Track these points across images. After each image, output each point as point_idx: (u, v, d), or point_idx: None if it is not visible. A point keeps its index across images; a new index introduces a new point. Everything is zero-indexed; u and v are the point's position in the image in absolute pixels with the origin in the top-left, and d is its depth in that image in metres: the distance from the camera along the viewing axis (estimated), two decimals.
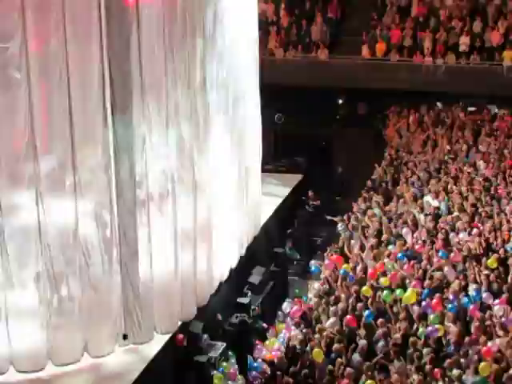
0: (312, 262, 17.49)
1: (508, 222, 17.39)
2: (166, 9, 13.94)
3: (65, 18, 12.36)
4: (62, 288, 13.17)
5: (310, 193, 21.78)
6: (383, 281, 14.96)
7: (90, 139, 13.06)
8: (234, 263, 17.28)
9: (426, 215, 18.19)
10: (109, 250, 13.55)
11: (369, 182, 21.18)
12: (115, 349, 13.88)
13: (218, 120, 16.14)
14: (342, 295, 14.88)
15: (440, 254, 15.97)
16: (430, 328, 13.29)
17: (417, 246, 16.43)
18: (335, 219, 18.70)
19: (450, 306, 14.08)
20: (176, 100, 14.40)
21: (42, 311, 13.04)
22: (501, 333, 13.27)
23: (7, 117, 12.32)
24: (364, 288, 14.86)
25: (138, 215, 13.80)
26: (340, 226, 18.33)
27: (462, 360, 12.62)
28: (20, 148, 12.46)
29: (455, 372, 12.22)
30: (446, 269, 15.43)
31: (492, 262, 15.30)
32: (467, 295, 14.50)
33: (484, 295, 14.39)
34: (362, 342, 13.27)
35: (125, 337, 14.03)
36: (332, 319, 14.15)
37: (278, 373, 12.80)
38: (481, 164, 21.18)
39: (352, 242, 17.50)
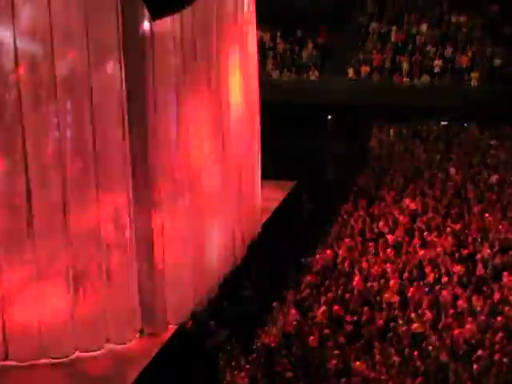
0: (306, 258, 17.48)
1: (476, 221, 17.48)
2: (177, 34, 13.97)
3: (88, 43, 12.44)
4: (86, 283, 13.19)
5: (304, 197, 21.79)
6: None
7: (110, 149, 13.10)
8: (237, 260, 17.31)
9: (404, 216, 18.24)
10: (127, 248, 13.56)
11: (355, 187, 21.22)
12: (134, 337, 13.88)
13: (223, 132, 16.17)
14: (332, 287, 14.91)
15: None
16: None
17: (388, 249, 16.40)
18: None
19: (426, 289, 14.23)
20: (185, 115, 14.43)
21: (70, 303, 13.05)
22: (470, 319, 13.31)
23: (39, 131, 12.42)
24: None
25: (153, 217, 13.81)
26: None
27: (437, 343, 12.67)
28: (50, 157, 12.55)
29: (430, 348, 12.29)
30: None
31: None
32: (441, 286, 14.57)
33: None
34: (349, 328, 13.30)
35: (141, 331, 14.03)
36: (322, 308, 14.17)
37: (276, 355, 12.84)
38: (452, 171, 21.27)
39: (340, 239, 17.53)
